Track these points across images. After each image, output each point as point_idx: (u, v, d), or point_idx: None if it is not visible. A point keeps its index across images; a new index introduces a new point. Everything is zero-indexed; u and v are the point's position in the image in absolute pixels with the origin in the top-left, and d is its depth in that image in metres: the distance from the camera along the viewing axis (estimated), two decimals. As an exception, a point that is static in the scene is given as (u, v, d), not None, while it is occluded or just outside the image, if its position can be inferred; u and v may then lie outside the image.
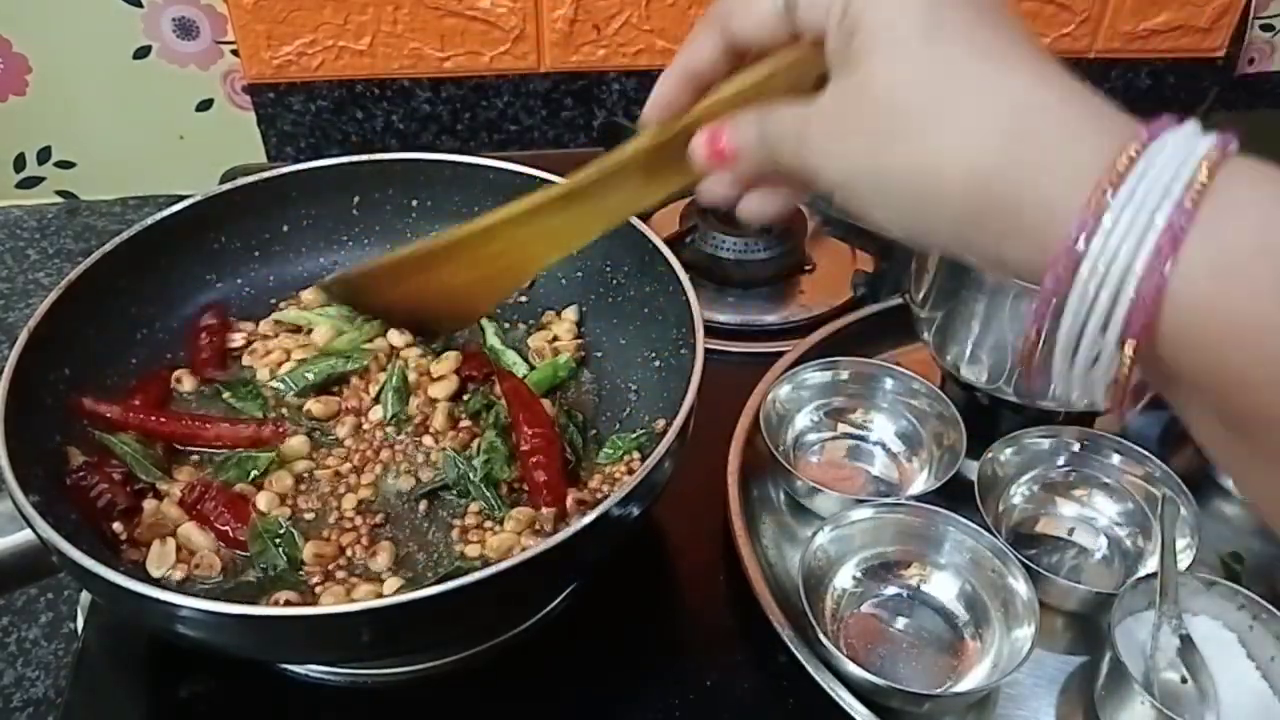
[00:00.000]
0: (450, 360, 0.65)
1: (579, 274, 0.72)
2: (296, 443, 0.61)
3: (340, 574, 0.56)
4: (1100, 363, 0.31)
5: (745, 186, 0.43)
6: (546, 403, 0.64)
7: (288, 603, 0.53)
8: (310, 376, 0.64)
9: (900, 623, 0.61)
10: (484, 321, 0.71)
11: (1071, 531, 0.67)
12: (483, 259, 0.53)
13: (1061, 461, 0.69)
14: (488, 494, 0.59)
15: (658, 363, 0.66)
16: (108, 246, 0.63)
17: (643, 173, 0.45)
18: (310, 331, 0.68)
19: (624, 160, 0.45)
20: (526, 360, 0.68)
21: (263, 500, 0.58)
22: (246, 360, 0.67)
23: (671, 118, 0.43)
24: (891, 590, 0.63)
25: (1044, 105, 0.32)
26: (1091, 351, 0.31)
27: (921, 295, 0.70)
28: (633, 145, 0.44)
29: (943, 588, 0.62)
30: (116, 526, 0.56)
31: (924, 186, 0.34)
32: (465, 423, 0.63)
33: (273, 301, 0.72)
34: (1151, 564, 0.62)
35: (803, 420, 0.73)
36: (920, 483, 0.69)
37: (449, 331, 0.68)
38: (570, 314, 0.71)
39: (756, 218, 0.43)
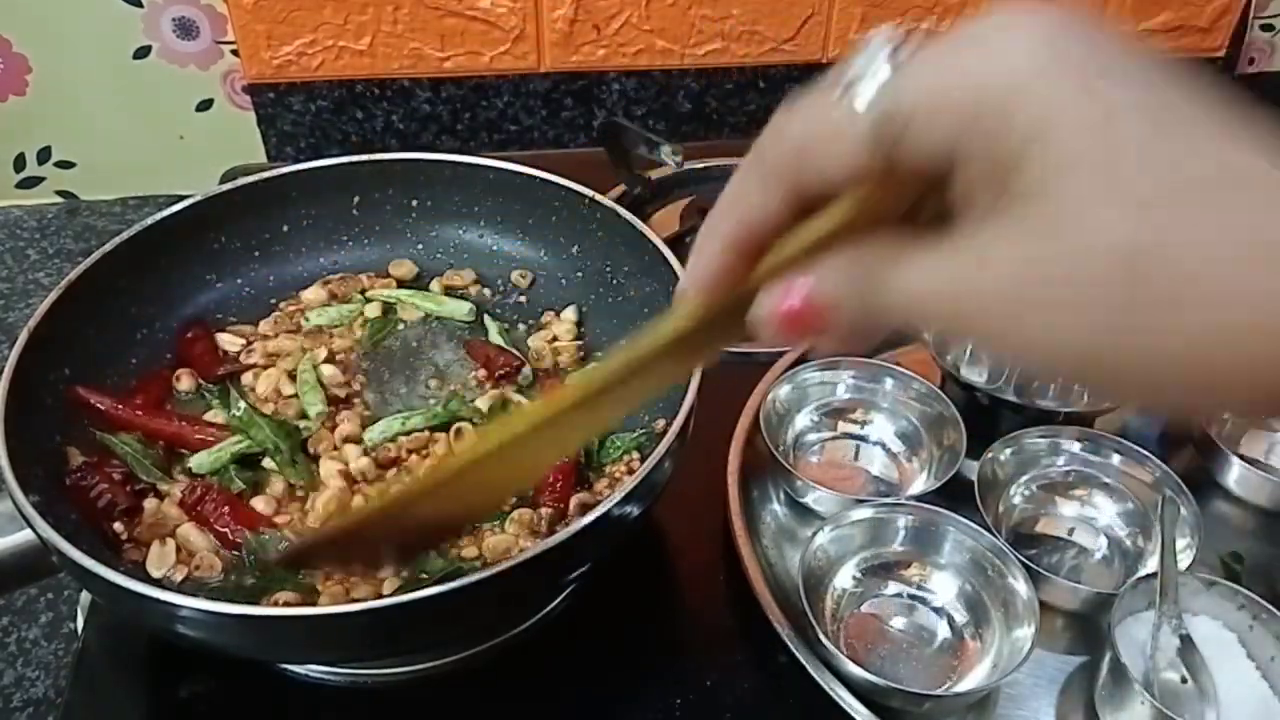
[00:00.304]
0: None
1: (579, 274, 0.72)
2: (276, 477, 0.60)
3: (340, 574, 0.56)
4: None
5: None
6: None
7: (287, 603, 0.53)
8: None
9: (900, 623, 0.61)
10: (488, 320, 0.71)
11: (1071, 531, 0.67)
12: (473, 486, 0.43)
13: (1061, 461, 0.69)
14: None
15: (658, 363, 0.66)
16: (108, 246, 0.63)
17: (675, 355, 0.36)
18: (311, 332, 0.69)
19: (658, 348, 0.35)
20: (528, 360, 0.68)
21: (260, 503, 0.58)
22: (245, 380, 0.66)
23: (722, 287, 0.33)
24: (891, 590, 0.63)
25: None
26: None
27: (921, 295, 0.70)
28: (670, 327, 0.35)
29: (943, 588, 0.62)
30: (117, 526, 0.56)
31: (1198, 369, 0.25)
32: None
33: (273, 301, 0.72)
34: (1151, 564, 0.62)
35: (803, 420, 0.73)
36: (920, 483, 0.69)
37: (411, 559, 0.57)
38: (570, 314, 0.71)
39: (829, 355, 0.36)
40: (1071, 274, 0.26)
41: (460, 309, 0.71)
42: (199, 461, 0.60)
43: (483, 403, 0.64)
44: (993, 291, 0.27)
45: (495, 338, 0.70)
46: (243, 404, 0.63)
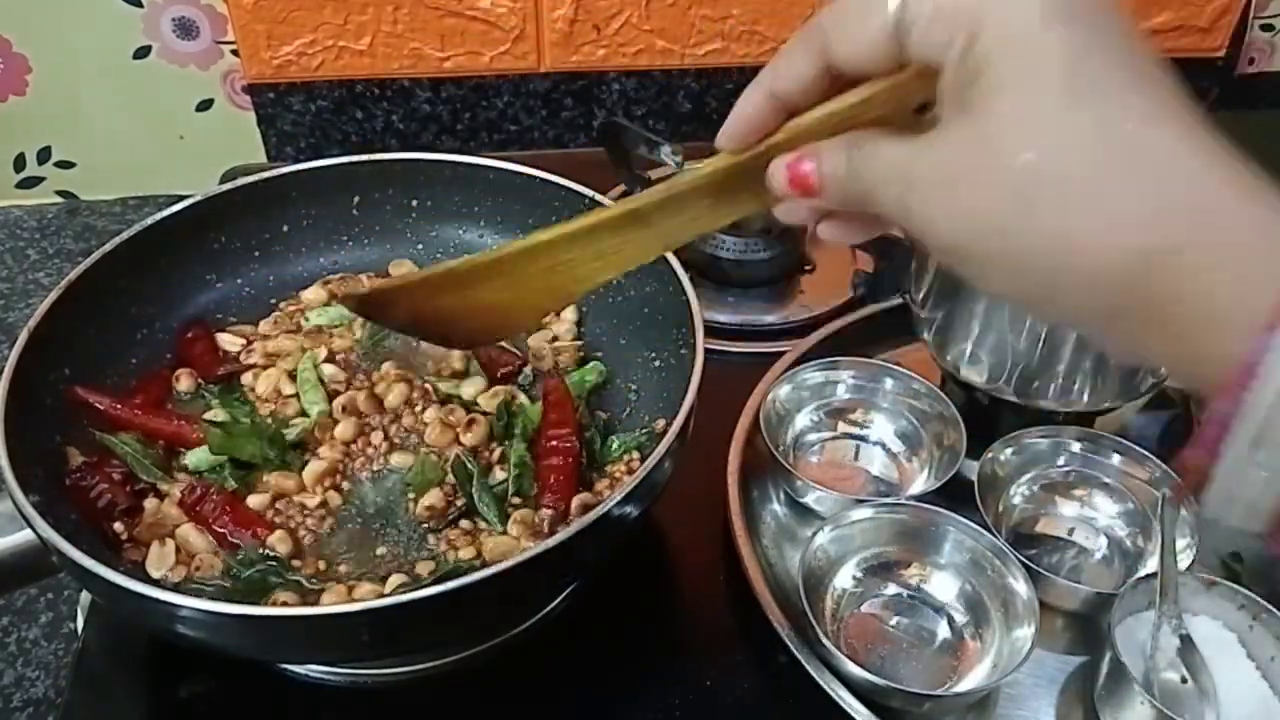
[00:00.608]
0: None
1: (579, 274, 0.72)
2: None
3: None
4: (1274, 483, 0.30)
5: (826, 213, 0.40)
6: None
7: (286, 603, 0.53)
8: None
9: (900, 623, 0.61)
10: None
11: (1071, 531, 0.67)
12: (527, 278, 0.48)
13: (1061, 461, 0.69)
14: (491, 514, 0.59)
15: (658, 363, 0.66)
16: (108, 246, 0.63)
17: (713, 196, 0.42)
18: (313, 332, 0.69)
19: (695, 183, 0.42)
20: (528, 360, 0.68)
21: (255, 500, 0.58)
22: (245, 380, 0.66)
23: (752, 140, 0.39)
24: (891, 590, 0.63)
25: (1217, 191, 0.29)
26: (1266, 470, 0.29)
27: (921, 295, 0.70)
28: (707, 168, 0.41)
29: (943, 588, 0.62)
30: (117, 526, 0.56)
31: (1063, 264, 0.31)
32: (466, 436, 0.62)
33: (273, 301, 0.72)
34: (1151, 564, 0.62)
35: (803, 420, 0.73)
36: (920, 483, 0.69)
37: (482, 345, 0.65)
38: (570, 314, 0.71)
39: (834, 242, 0.41)
40: (986, 172, 0.32)
41: (460, 309, 0.71)
42: (197, 459, 0.60)
43: (486, 402, 0.64)
44: (926, 173, 0.33)
45: (495, 338, 0.70)
46: (220, 425, 0.61)
